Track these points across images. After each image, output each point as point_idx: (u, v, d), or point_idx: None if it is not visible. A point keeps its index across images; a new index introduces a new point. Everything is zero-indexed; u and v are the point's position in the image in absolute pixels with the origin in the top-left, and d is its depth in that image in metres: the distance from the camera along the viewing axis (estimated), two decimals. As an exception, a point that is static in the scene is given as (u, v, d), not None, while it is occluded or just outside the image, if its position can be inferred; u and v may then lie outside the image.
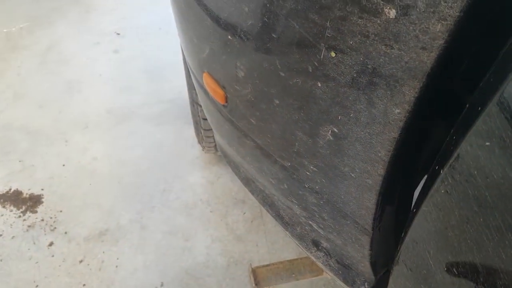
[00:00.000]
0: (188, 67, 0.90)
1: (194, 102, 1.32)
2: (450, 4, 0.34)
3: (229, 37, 0.60)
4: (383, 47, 0.40)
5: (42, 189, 1.53)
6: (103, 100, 1.86)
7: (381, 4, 0.38)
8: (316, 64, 0.48)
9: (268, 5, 0.50)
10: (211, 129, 1.31)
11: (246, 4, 0.53)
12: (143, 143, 1.70)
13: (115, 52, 2.09)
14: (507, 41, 0.37)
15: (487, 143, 0.35)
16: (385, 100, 0.43)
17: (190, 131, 1.71)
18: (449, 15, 0.34)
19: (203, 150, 1.62)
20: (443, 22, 0.35)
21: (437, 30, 0.35)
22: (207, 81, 0.75)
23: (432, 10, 0.35)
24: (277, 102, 0.59)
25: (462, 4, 0.33)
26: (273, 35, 0.52)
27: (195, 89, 1.20)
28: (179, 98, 1.86)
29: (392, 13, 0.38)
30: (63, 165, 1.61)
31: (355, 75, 0.44)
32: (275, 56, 0.54)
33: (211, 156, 1.65)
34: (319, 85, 0.50)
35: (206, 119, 1.27)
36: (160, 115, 1.80)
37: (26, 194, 1.52)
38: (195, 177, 1.58)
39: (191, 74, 0.91)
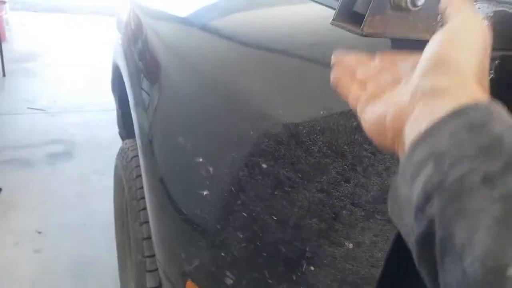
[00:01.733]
0: (162, 271, 1.04)
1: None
2: (384, 252, 0.62)
3: (222, 254, 0.81)
4: (346, 265, 0.65)
5: None
6: (21, 306, 1.74)
7: (343, 240, 0.65)
8: (299, 274, 0.71)
9: (260, 234, 0.74)
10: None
11: (241, 231, 0.77)
12: None
13: (36, 252, 2.05)
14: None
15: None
16: (352, 298, 0.66)
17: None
18: (385, 250, 0.62)
19: None
20: (381, 252, 0.62)
21: (379, 256, 0.62)
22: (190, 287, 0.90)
23: (374, 245, 0.63)
24: (263, 303, 0.78)
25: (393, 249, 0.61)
26: (264, 253, 0.75)
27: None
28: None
29: (351, 245, 0.64)
30: None
31: (329, 283, 0.68)
32: (265, 268, 0.75)
33: None
34: (301, 289, 0.72)
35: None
36: (86, 318, 1.73)
37: None
38: None
39: (163, 278, 1.05)
